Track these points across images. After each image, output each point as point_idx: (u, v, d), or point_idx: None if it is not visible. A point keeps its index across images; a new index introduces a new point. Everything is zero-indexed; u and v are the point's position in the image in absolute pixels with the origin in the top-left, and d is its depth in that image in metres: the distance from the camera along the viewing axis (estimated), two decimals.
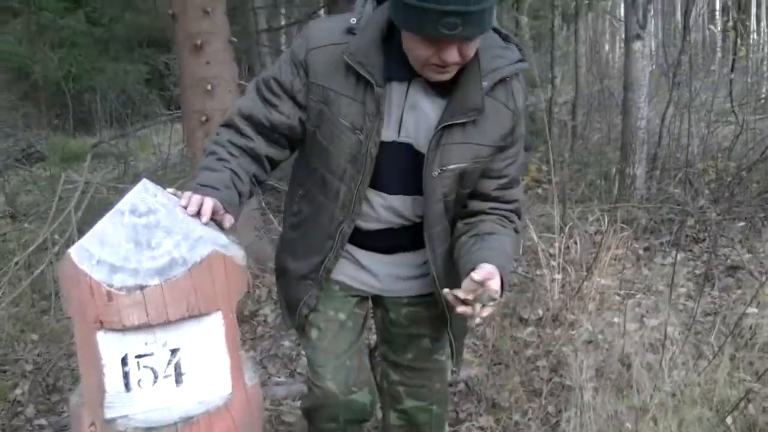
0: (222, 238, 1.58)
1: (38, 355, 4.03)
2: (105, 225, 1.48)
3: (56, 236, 4.89)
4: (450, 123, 1.81)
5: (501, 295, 1.71)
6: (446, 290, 1.69)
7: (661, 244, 5.36)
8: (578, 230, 4.97)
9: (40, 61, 8.48)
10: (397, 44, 1.78)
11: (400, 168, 1.92)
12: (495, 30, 1.86)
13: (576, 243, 4.80)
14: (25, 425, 3.36)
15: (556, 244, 4.44)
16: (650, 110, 6.76)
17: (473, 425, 3.15)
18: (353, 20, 1.84)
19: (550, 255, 4.52)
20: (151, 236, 1.47)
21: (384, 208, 1.99)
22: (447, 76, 1.78)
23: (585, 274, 4.20)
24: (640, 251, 5.17)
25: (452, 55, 1.68)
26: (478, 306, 1.65)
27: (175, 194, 1.65)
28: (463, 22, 1.59)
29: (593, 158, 7.77)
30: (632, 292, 4.26)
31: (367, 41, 1.81)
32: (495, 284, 1.67)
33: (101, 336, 1.45)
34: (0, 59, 11.28)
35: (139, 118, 10.59)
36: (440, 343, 2.23)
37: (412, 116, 1.87)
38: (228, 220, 1.72)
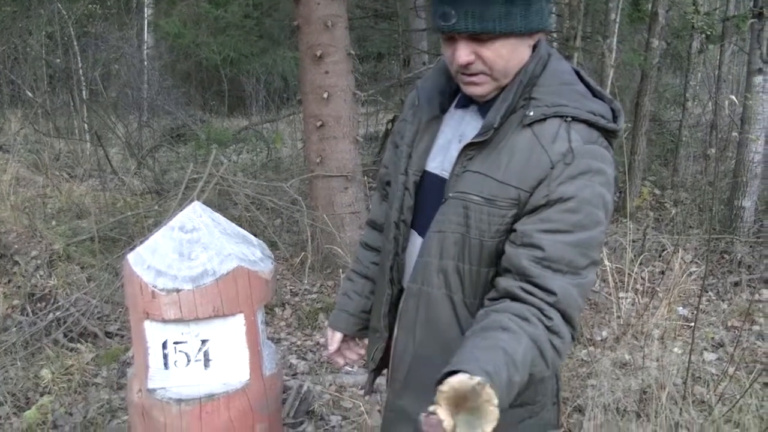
0: (253, 255, 1.96)
1: None
2: (158, 237, 1.89)
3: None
4: (468, 143, 1.54)
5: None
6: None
7: (750, 280, 5.34)
8: (675, 257, 5.04)
9: (203, 43, 9.13)
10: None
11: (435, 205, 1.62)
12: (582, 80, 1.59)
13: (671, 270, 4.89)
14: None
15: (636, 269, 4.58)
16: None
17: None
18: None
19: (640, 279, 4.66)
20: (191, 249, 1.86)
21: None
22: (477, 89, 1.55)
23: (650, 300, 4.33)
24: (728, 285, 5.21)
25: (461, 55, 1.49)
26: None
27: None
28: (456, 13, 1.44)
29: (705, 186, 7.71)
30: (701, 323, 4.35)
31: (437, 68, 1.72)
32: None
33: (147, 324, 1.86)
34: (165, 41, 12.18)
35: (293, 102, 11.12)
36: None
37: (457, 147, 1.60)
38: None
